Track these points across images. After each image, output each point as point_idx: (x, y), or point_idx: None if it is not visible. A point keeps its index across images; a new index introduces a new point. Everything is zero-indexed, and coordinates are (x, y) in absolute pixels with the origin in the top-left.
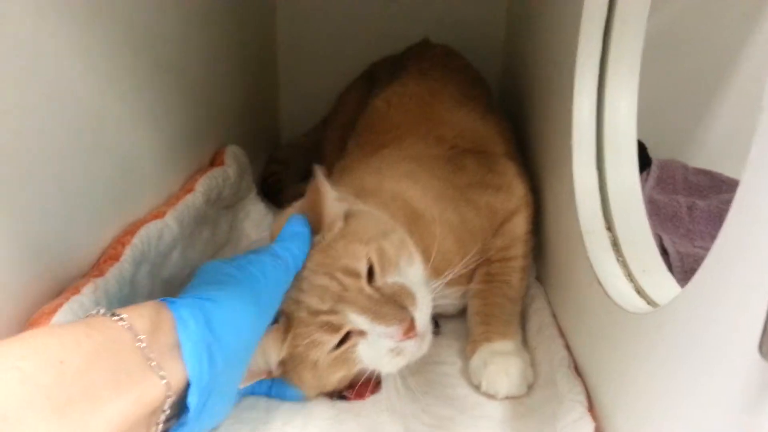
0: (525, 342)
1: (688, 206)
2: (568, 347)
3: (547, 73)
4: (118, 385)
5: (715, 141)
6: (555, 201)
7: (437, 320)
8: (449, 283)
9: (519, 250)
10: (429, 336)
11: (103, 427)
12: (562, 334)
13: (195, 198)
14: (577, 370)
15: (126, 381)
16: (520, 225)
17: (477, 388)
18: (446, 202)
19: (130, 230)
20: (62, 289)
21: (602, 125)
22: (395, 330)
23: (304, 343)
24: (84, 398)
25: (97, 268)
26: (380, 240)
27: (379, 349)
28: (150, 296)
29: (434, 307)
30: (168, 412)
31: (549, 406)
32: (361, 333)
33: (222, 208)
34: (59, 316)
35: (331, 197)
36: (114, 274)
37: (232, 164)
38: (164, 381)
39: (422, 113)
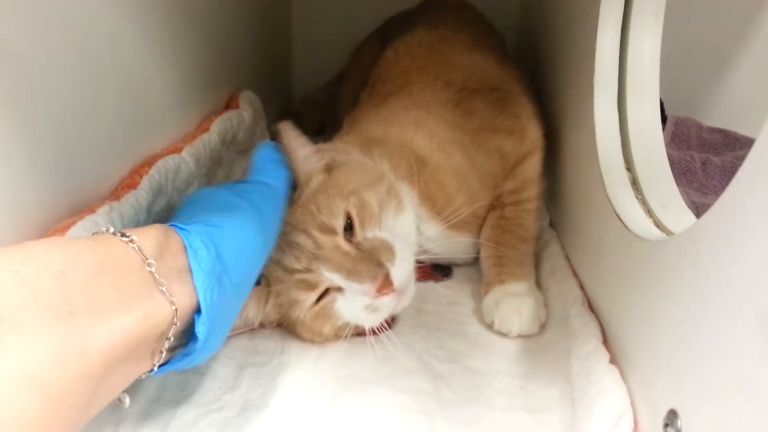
0: (538, 284)
1: (702, 161)
2: (581, 286)
3: (569, 13)
4: (124, 301)
5: (730, 101)
6: (574, 142)
7: (450, 266)
8: (461, 230)
9: (532, 192)
10: (410, 290)
11: (104, 339)
12: (576, 275)
13: (210, 137)
14: (591, 307)
15: (132, 299)
16: (532, 168)
17: (489, 327)
18: (454, 147)
19: (148, 162)
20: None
21: (624, 65)
22: (368, 287)
23: (285, 302)
24: (86, 310)
25: (114, 194)
26: (362, 192)
27: (355, 305)
28: None
29: (446, 255)
30: (171, 340)
31: (562, 343)
32: (339, 289)
33: (237, 152)
34: (72, 232)
35: (301, 153)
36: (130, 199)
37: (247, 108)
38: (173, 307)
39: (431, 58)
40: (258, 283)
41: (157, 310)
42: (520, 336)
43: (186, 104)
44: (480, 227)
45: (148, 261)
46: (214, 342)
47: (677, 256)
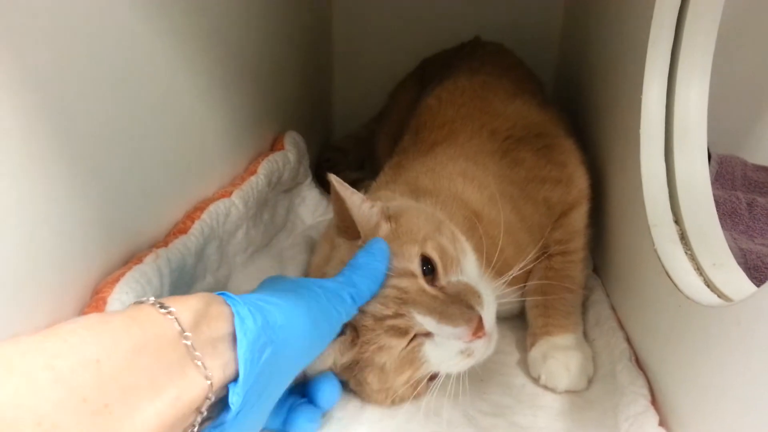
0: (584, 334)
1: (747, 202)
2: (628, 340)
3: (613, 64)
4: (156, 383)
5: None
6: (620, 193)
7: None
8: (510, 284)
9: (579, 243)
10: (496, 335)
11: (139, 429)
12: (622, 327)
13: (258, 180)
14: (639, 363)
15: (165, 379)
16: (579, 219)
17: (536, 380)
18: (504, 201)
19: (200, 206)
20: None
21: (671, 115)
22: (463, 330)
23: (371, 348)
24: (121, 400)
25: (164, 240)
26: (437, 236)
27: (447, 350)
28: (217, 273)
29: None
30: (205, 414)
31: (609, 399)
32: (427, 333)
33: (281, 192)
34: (121, 285)
35: (357, 202)
36: (177, 245)
37: (292, 149)
38: (208, 382)
39: (475, 107)
40: (342, 333)
41: (189, 388)
42: (567, 391)
43: (235, 148)
44: (526, 277)
45: (185, 334)
46: (252, 420)
47: (733, 324)
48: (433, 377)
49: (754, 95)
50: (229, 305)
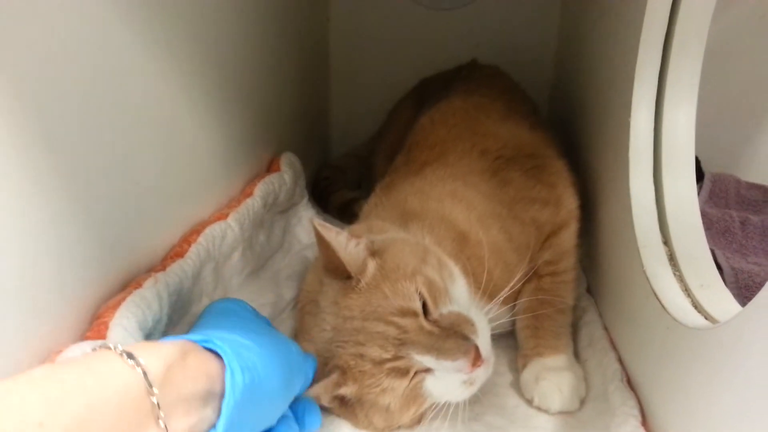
0: (576, 354)
1: (741, 221)
2: (620, 360)
3: (603, 87)
4: None
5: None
6: (609, 214)
7: None
8: (500, 305)
9: (569, 263)
10: (492, 357)
11: None
12: (615, 347)
13: (254, 202)
14: (630, 384)
15: None
16: (568, 239)
17: (529, 402)
18: (492, 221)
19: (197, 230)
20: None
21: (659, 137)
22: (462, 363)
23: (374, 391)
24: None
25: (162, 264)
26: (423, 269)
27: (450, 382)
28: (213, 295)
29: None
30: None
31: (601, 419)
32: (427, 369)
33: (277, 212)
34: (123, 310)
35: (343, 243)
36: (175, 268)
37: (288, 170)
38: None
39: (466, 127)
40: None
41: None
42: (560, 413)
43: (231, 170)
44: (515, 297)
45: (152, 389)
46: None
47: (717, 347)
48: None
49: (746, 113)
50: (210, 351)
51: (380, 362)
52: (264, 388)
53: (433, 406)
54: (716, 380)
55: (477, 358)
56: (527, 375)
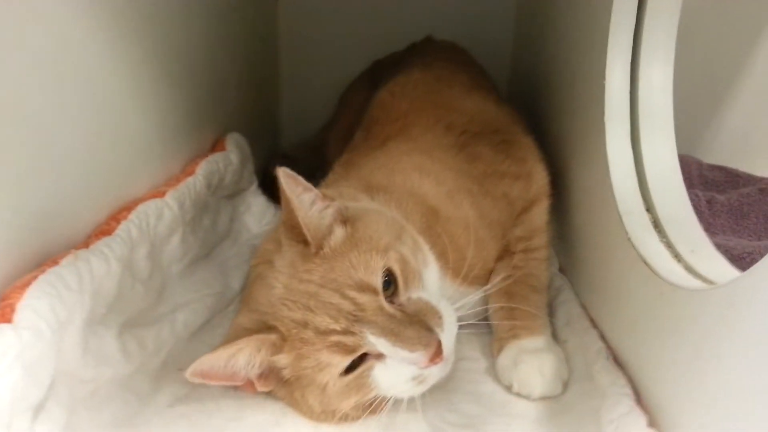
0: (554, 336)
1: (707, 200)
2: (603, 338)
3: (574, 52)
4: None
5: (728, 138)
6: (586, 186)
7: None
8: (473, 285)
9: (541, 240)
10: (452, 357)
11: None
12: (596, 325)
13: (196, 181)
14: (617, 362)
15: None
16: (540, 215)
17: (507, 388)
18: (462, 196)
19: (127, 207)
20: None
21: (636, 99)
22: (420, 356)
23: (311, 365)
24: None
25: (84, 242)
26: (398, 246)
27: (399, 374)
28: (149, 281)
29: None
30: None
31: (587, 402)
32: (379, 356)
33: (223, 197)
34: (33, 289)
35: (306, 202)
36: (100, 247)
37: (234, 150)
38: None
39: (429, 100)
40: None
41: None
42: (542, 398)
43: (169, 146)
44: (487, 278)
45: None
46: None
47: (725, 307)
48: None
49: (707, 96)
50: None
51: (325, 332)
52: None
53: (380, 399)
54: (717, 343)
55: (437, 354)
56: (504, 359)
